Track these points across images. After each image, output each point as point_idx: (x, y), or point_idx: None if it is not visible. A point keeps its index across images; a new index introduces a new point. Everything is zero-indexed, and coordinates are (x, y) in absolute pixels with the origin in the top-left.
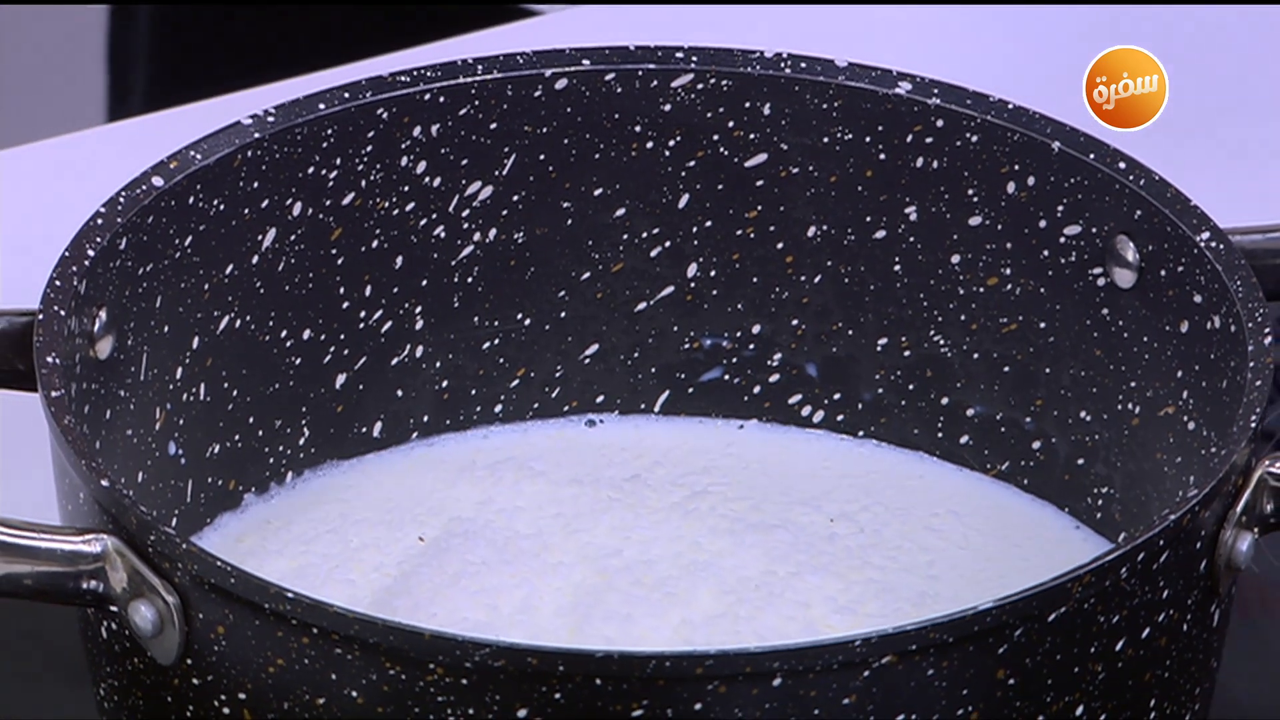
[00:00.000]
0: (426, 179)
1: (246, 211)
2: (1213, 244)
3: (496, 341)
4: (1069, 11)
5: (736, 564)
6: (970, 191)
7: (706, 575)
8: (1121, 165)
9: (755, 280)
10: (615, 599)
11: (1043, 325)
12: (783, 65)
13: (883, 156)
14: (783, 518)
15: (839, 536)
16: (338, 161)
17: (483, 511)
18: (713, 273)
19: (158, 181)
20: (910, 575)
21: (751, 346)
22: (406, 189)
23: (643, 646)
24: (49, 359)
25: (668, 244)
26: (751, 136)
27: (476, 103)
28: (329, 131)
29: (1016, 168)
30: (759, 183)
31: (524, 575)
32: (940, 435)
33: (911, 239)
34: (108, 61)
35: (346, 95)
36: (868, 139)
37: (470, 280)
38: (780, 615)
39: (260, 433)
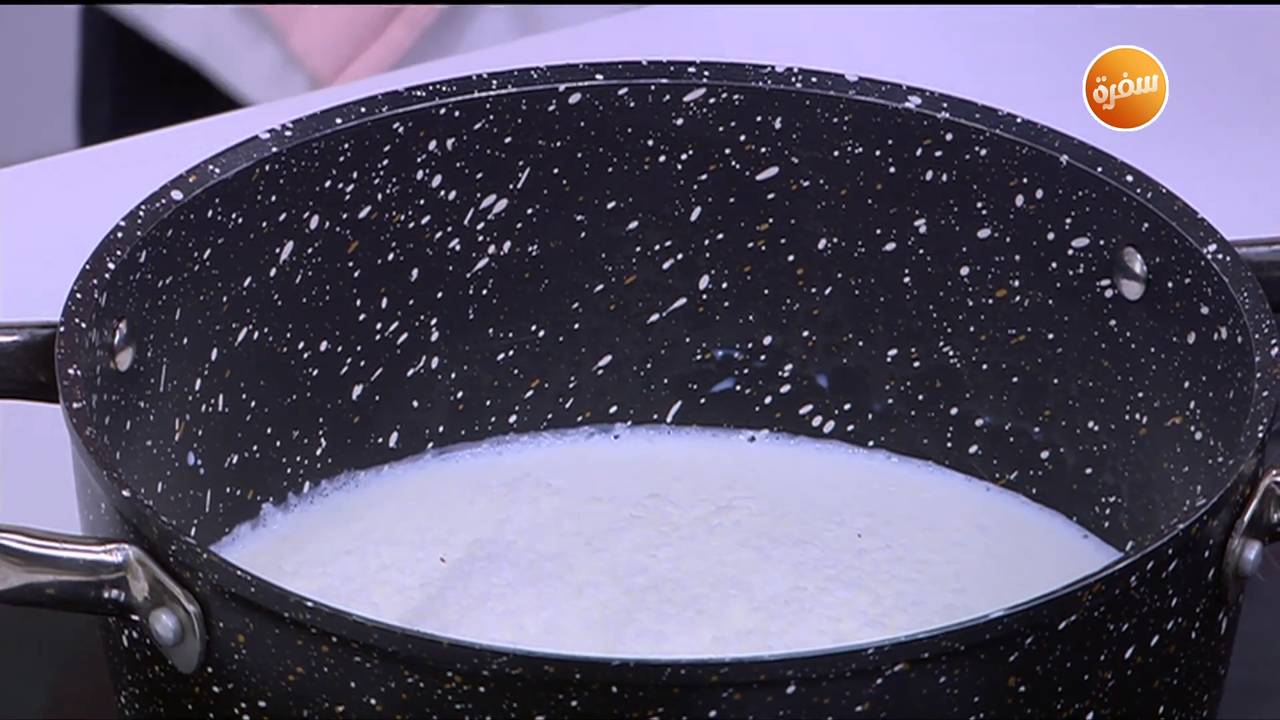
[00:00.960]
0: (442, 192)
1: (264, 225)
2: (1219, 256)
3: (511, 353)
4: (1069, 11)
5: (764, 580)
6: (979, 204)
7: (736, 592)
8: (1129, 178)
9: (766, 292)
10: (646, 617)
11: (1051, 336)
12: (793, 80)
13: (892, 170)
14: (808, 532)
15: (866, 551)
16: (354, 175)
17: (503, 531)
18: (724, 285)
19: (177, 195)
20: (938, 588)
21: (763, 358)
22: (422, 202)
23: None
24: (70, 371)
25: (680, 256)
26: (763, 150)
27: (491, 117)
28: (345, 146)
29: (1025, 181)
30: (770, 196)
31: (550, 596)
32: (949, 445)
33: (921, 251)
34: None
35: (363, 110)
36: (878, 152)
37: (485, 292)
38: (812, 630)
39: (278, 443)
